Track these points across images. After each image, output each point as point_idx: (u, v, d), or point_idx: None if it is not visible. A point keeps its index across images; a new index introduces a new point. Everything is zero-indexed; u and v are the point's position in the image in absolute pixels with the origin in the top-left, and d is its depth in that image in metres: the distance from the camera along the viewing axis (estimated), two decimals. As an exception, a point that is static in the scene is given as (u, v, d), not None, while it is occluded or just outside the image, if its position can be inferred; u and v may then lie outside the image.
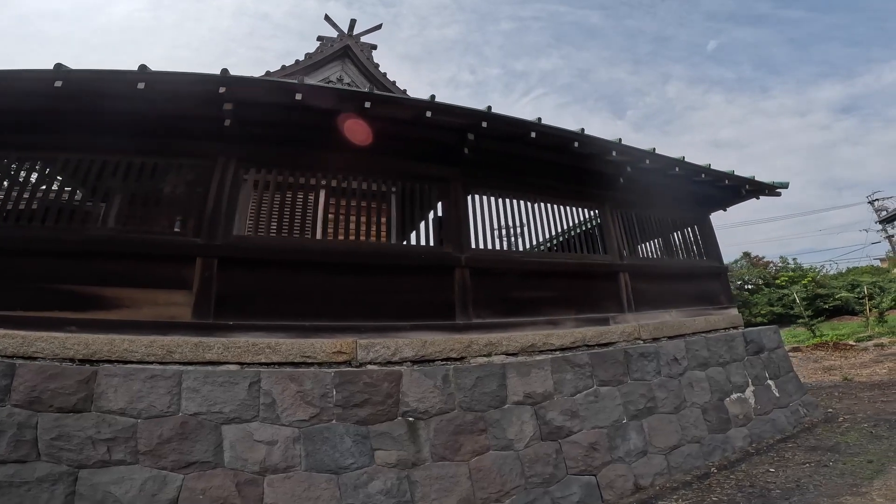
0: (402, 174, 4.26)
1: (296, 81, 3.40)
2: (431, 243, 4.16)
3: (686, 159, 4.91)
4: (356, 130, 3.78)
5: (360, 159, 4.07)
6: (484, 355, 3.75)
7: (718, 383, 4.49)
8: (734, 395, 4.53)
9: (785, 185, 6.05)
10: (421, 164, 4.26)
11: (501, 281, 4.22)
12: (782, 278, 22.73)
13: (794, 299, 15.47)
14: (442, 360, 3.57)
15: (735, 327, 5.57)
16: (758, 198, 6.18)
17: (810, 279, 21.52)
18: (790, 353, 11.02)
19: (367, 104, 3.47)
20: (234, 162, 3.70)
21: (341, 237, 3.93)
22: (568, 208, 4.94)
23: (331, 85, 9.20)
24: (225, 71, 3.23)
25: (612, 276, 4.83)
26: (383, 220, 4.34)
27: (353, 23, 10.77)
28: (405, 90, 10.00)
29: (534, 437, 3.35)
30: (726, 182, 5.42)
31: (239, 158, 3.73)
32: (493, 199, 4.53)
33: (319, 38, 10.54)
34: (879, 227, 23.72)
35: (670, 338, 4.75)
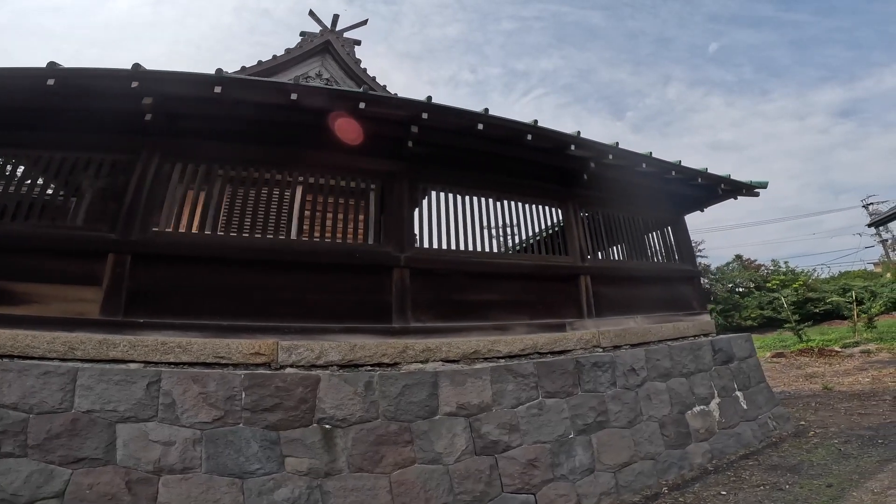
0: (344, 169, 3.91)
1: (214, 74, 3.13)
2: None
3: (654, 154, 4.52)
4: (289, 123, 3.48)
5: (297, 153, 3.76)
6: (420, 361, 3.41)
7: (680, 395, 4.10)
8: (697, 408, 4.14)
9: (763, 185, 5.63)
10: (364, 158, 3.90)
11: (446, 282, 3.86)
12: (773, 281, 22.15)
13: (783, 302, 14.97)
14: (372, 365, 3.25)
15: (706, 334, 5.17)
16: (735, 198, 5.76)
17: (801, 283, 20.94)
18: (773, 359, 10.59)
19: (294, 96, 3.17)
20: (158, 156, 3.45)
21: (272, 234, 3.61)
22: (530, 206, 4.56)
23: (308, 82, 8.85)
24: (137, 66, 2.98)
25: (571, 278, 4.44)
26: (339, 216, 3.97)
27: (335, 18, 10.44)
28: (385, 86, 9.64)
29: (466, 451, 3.02)
30: (699, 180, 5.00)
31: (163, 153, 3.47)
32: (444, 195, 4.17)
33: (302, 34, 10.20)
34: (873, 230, 23.07)
35: (633, 346, 4.37)
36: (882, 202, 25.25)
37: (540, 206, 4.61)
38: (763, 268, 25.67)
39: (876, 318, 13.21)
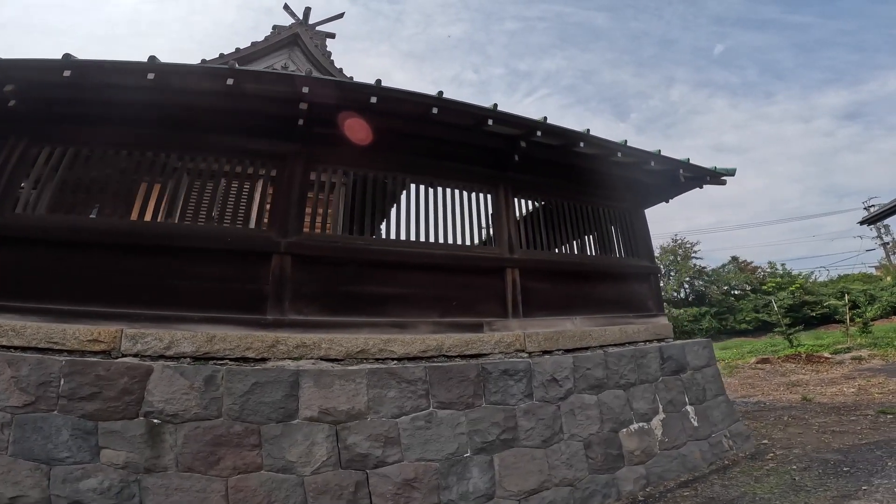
0: (229, 151, 3.33)
1: (61, 59, 2.77)
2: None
3: (591, 131, 3.83)
4: (156, 105, 3.05)
5: (176, 136, 3.25)
6: (293, 358, 2.83)
7: (613, 410, 3.39)
8: (634, 426, 3.43)
9: (731, 173, 4.87)
10: (252, 140, 3.34)
11: (339, 272, 3.24)
12: (769, 284, 20.93)
13: (773, 306, 13.92)
14: (234, 359, 2.72)
15: (661, 339, 4.43)
16: (701, 186, 5.00)
17: (798, 286, 19.72)
18: (758, 365, 9.67)
19: (151, 76, 2.78)
20: (25, 141, 3.11)
21: (135, 217, 3.08)
22: (454, 190, 3.90)
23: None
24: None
25: (496, 272, 3.77)
26: (218, 199, 3.42)
27: (307, 11, 9.99)
28: (352, 77, 9.11)
29: (328, 462, 2.50)
30: (652, 164, 4.27)
31: (31, 138, 3.12)
32: (348, 177, 3.58)
33: (274, 27, 9.75)
34: (874, 234, 21.58)
35: (567, 351, 3.67)
36: (883, 204, 23.72)
37: (465, 191, 3.95)
38: (759, 270, 24.37)
39: (873, 323, 12.12)
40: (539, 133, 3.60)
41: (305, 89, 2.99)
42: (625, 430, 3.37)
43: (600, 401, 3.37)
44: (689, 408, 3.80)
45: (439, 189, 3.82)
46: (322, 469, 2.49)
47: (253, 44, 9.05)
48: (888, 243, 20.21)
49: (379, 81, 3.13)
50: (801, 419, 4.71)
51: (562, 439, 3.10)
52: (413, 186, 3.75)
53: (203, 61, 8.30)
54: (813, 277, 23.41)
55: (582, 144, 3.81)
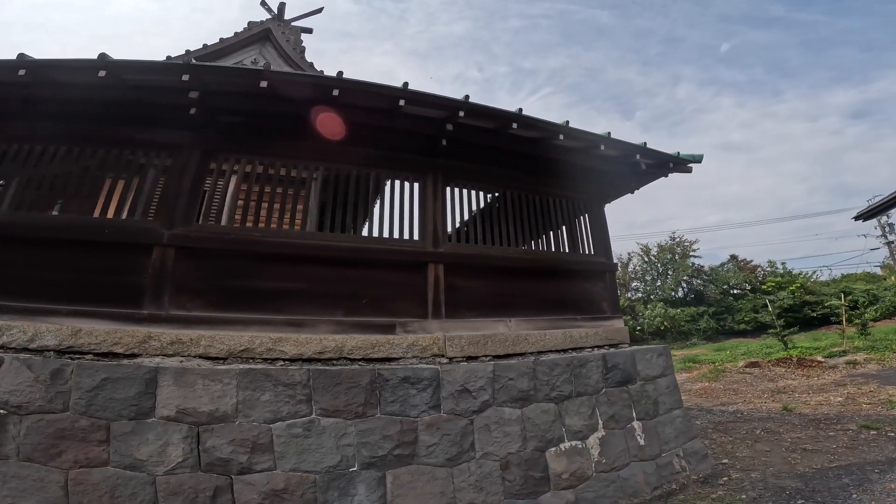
0: (118, 141, 2.99)
1: None
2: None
3: (524, 112, 3.36)
4: (37, 100, 2.80)
5: (61, 129, 2.93)
6: (167, 355, 2.51)
7: (540, 427, 2.91)
8: (566, 444, 2.95)
9: (697, 159, 4.34)
10: (144, 130, 3.01)
11: (230, 266, 2.85)
12: (769, 284, 19.98)
13: (766, 305, 13.13)
14: (101, 354, 2.44)
15: (615, 345, 3.93)
16: (666, 175, 4.47)
17: (799, 285, 18.75)
18: (746, 369, 8.98)
19: (22, 73, 2.53)
20: None
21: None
22: (375, 179, 3.51)
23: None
24: None
25: (416, 267, 3.33)
26: (103, 191, 3.11)
27: (282, 6, 9.73)
28: (322, 71, 8.76)
29: (184, 464, 2.22)
30: (602, 148, 3.77)
31: None
32: (251, 166, 3.18)
33: (249, 23, 9.48)
34: (874, 229, 20.38)
35: (499, 357, 3.21)
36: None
37: (389, 180, 3.52)
38: (759, 269, 23.34)
39: (873, 324, 11.30)
40: (462, 114, 3.16)
41: (185, 77, 2.66)
42: (553, 449, 2.89)
43: (524, 415, 2.91)
44: (635, 424, 3.30)
45: (361, 177, 3.40)
46: (177, 470, 2.20)
47: (221, 40, 8.79)
48: (892, 242, 19.08)
49: (268, 64, 2.78)
50: (774, 433, 4.15)
51: (473, 458, 2.65)
52: (329, 175, 3.34)
53: (168, 58, 8.04)
54: (814, 277, 22.34)
55: (515, 125, 3.36)
